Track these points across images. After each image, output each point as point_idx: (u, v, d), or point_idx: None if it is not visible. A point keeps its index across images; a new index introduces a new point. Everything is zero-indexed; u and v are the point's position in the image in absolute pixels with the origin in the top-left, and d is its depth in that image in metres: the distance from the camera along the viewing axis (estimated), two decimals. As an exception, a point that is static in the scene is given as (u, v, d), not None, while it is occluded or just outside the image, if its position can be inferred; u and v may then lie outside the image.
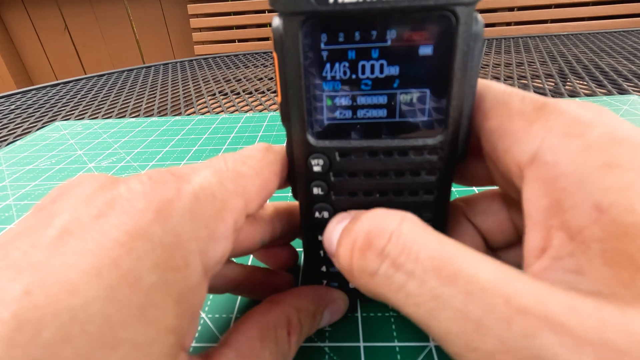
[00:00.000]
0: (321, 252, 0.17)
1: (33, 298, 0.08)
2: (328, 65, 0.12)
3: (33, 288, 0.08)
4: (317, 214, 0.15)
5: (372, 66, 0.12)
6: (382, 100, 0.13)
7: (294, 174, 0.15)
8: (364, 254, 0.11)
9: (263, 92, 0.62)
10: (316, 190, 0.15)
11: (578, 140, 0.11)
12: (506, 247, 0.16)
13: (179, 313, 0.10)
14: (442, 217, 0.15)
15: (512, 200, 0.15)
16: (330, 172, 0.14)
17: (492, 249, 0.17)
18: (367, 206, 0.15)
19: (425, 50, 0.12)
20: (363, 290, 0.12)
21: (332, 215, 0.15)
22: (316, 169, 0.14)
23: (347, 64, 0.12)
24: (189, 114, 0.54)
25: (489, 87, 0.13)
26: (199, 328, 0.18)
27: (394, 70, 0.12)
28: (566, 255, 0.10)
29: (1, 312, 0.08)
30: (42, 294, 0.08)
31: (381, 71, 0.12)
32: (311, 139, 0.14)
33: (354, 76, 0.12)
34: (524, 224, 0.12)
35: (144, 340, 0.09)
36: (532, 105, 0.12)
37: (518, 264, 0.16)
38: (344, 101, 0.13)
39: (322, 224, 0.15)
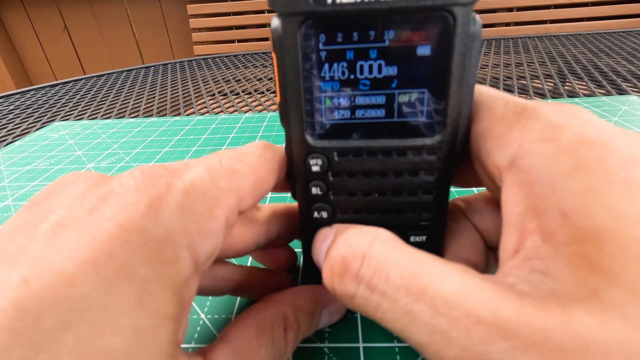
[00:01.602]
0: None
1: (31, 287, 0.08)
2: (326, 66, 0.12)
3: (30, 278, 0.09)
4: (315, 214, 0.15)
5: (371, 66, 0.12)
6: (381, 100, 0.13)
7: (293, 174, 0.15)
8: (342, 279, 0.12)
9: (262, 93, 0.62)
10: (315, 190, 0.15)
11: (550, 145, 0.11)
12: None
13: (176, 303, 0.10)
14: (441, 217, 0.15)
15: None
16: (328, 172, 0.14)
17: (491, 248, 0.17)
18: (366, 206, 0.15)
19: (423, 51, 0.12)
20: (349, 308, 0.12)
21: (330, 215, 0.15)
22: (315, 169, 0.14)
23: (345, 64, 0.12)
24: (188, 115, 0.54)
25: (479, 91, 0.14)
26: (198, 329, 0.18)
27: (392, 71, 0.12)
28: (536, 257, 0.10)
29: (0, 301, 0.08)
30: (39, 284, 0.09)
31: (379, 71, 0.12)
32: (310, 139, 0.14)
33: (352, 76, 0.12)
34: (502, 225, 0.12)
35: (146, 326, 0.09)
36: (513, 109, 0.12)
37: None
38: (343, 101, 0.13)
39: (321, 224, 0.15)
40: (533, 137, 0.11)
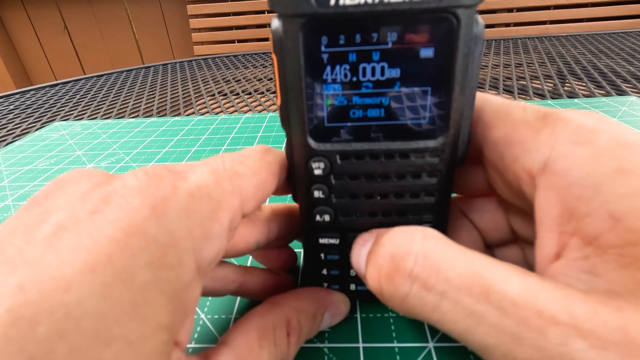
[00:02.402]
0: (322, 255, 0.17)
1: (27, 294, 0.08)
2: (329, 68, 0.12)
3: (27, 284, 0.08)
4: (317, 217, 0.15)
5: (373, 68, 0.12)
6: (383, 102, 0.13)
7: (294, 177, 0.15)
8: (392, 279, 0.11)
9: (262, 93, 0.62)
10: (317, 194, 0.14)
11: (587, 147, 0.11)
12: (501, 245, 0.17)
13: (172, 310, 0.10)
14: (443, 219, 0.15)
15: (510, 204, 0.15)
16: (331, 175, 0.14)
17: (488, 246, 0.17)
18: (369, 209, 0.15)
19: (426, 53, 0.12)
20: (397, 311, 0.12)
21: (332, 218, 0.15)
22: (317, 172, 0.14)
23: (347, 67, 0.12)
24: (188, 115, 0.54)
25: (487, 99, 0.14)
26: (198, 329, 0.18)
27: (394, 73, 0.12)
28: (581, 257, 0.10)
29: None
30: (36, 290, 0.08)
31: (382, 73, 0.12)
32: (312, 142, 0.13)
33: (354, 79, 0.12)
34: (536, 230, 0.12)
35: (137, 337, 0.09)
36: (535, 114, 0.12)
37: (513, 262, 0.16)
38: (345, 104, 0.13)
39: (323, 227, 0.15)
40: (566, 139, 0.11)
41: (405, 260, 0.11)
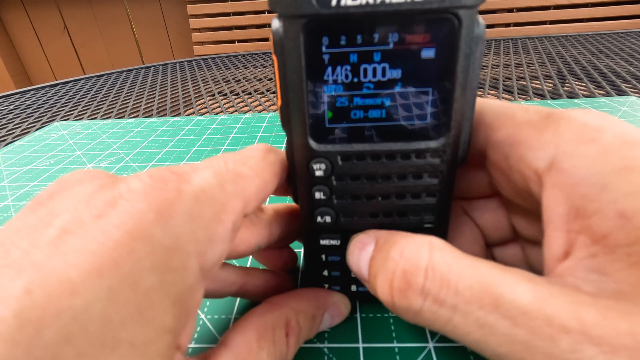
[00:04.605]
0: (323, 256, 0.16)
1: (34, 297, 0.08)
2: (330, 69, 0.12)
3: (34, 287, 0.08)
4: (319, 219, 0.15)
5: (374, 69, 0.12)
6: (384, 103, 0.13)
7: (295, 178, 0.15)
8: (405, 294, 0.11)
9: (262, 93, 0.62)
10: (318, 195, 0.14)
11: (592, 145, 0.11)
12: (501, 244, 0.17)
13: (176, 314, 0.10)
14: (444, 219, 0.15)
15: (514, 204, 0.15)
16: (332, 177, 0.14)
17: (488, 244, 0.17)
18: (370, 210, 0.15)
19: (428, 53, 0.12)
20: (409, 321, 0.12)
21: (333, 219, 0.15)
22: (318, 173, 0.14)
23: (348, 67, 0.12)
24: (188, 115, 0.54)
25: (487, 103, 0.14)
26: (198, 329, 0.18)
27: (396, 74, 0.12)
28: (589, 256, 0.10)
29: (2, 311, 0.08)
30: (42, 293, 0.08)
31: (383, 74, 0.12)
32: (313, 144, 0.13)
33: (355, 79, 0.12)
34: (544, 229, 0.12)
35: (142, 341, 0.09)
36: (537, 114, 0.13)
37: (513, 262, 0.16)
38: (346, 105, 0.13)
39: (325, 228, 0.15)
40: (570, 138, 0.11)
41: (417, 275, 0.11)
